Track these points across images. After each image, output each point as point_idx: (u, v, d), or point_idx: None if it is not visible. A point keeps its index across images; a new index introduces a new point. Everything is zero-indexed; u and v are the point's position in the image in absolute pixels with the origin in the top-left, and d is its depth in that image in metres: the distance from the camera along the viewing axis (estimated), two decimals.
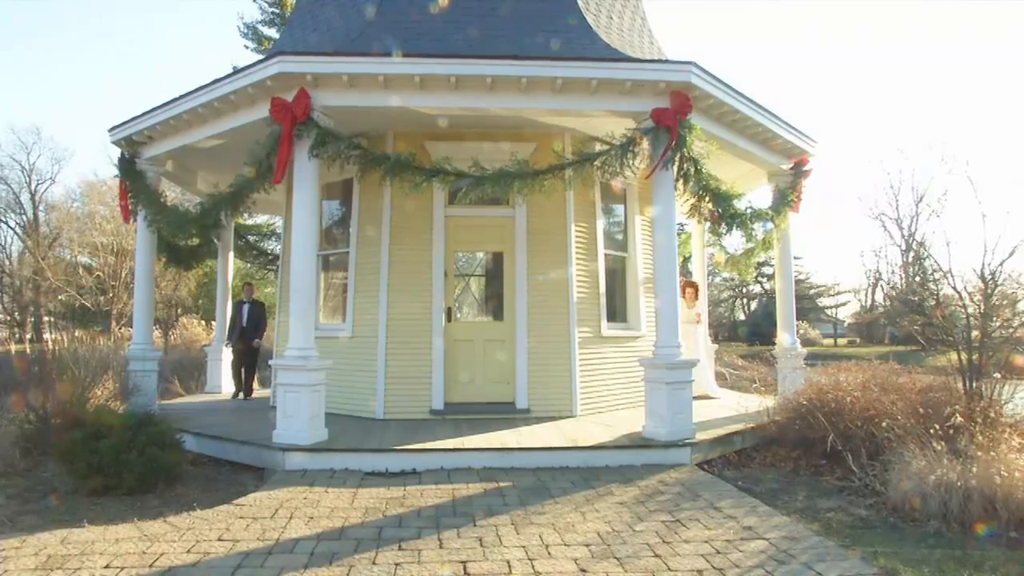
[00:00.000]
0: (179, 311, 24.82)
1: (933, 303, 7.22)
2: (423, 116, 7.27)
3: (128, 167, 8.59)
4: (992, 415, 5.52)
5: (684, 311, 9.55)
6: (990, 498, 4.58)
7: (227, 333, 10.56)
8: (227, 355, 10.93)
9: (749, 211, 7.84)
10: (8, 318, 31.32)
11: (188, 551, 4.00)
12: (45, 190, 36.29)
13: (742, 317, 44.97)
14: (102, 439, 5.39)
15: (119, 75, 78.00)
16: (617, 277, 9.11)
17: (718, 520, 4.62)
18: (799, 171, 9.10)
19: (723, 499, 5.13)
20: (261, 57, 7.36)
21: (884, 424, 5.73)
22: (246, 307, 10.23)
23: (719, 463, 6.60)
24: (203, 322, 21.23)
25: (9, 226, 34.79)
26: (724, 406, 8.72)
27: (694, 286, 10.22)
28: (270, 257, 20.30)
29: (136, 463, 5.41)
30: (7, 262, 33.67)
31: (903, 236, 35.19)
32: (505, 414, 7.76)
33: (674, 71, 6.64)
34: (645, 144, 6.67)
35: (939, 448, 5.01)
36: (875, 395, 6.31)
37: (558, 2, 8.15)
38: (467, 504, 4.96)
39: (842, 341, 39.96)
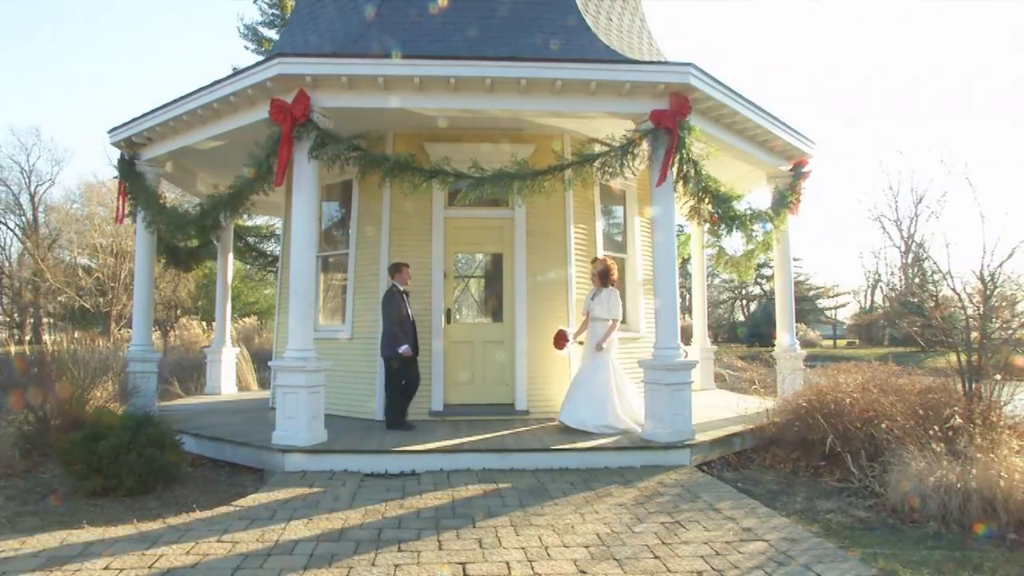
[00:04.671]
0: (178, 312, 24.78)
1: (932, 304, 7.21)
2: (422, 117, 7.28)
3: (127, 168, 8.60)
4: (992, 417, 5.51)
5: (588, 300, 7.49)
6: (989, 499, 4.58)
7: (400, 332, 7.10)
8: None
9: (749, 212, 7.84)
10: (8, 319, 31.30)
11: (187, 552, 3.99)
12: (44, 191, 36.29)
13: (741, 318, 44.95)
14: (101, 440, 5.39)
15: (119, 76, 78.09)
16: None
17: (717, 521, 4.61)
18: (798, 172, 9.11)
19: (722, 500, 5.13)
20: (261, 58, 7.36)
21: (883, 425, 5.73)
22: (408, 297, 7.51)
23: (718, 464, 6.60)
24: (203, 323, 21.22)
25: (9, 227, 34.83)
26: (723, 407, 8.72)
27: (601, 266, 7.51)
28: (270, 259, 20.26)
29: (135, 464, 5.41)
30: (7, 263, 33.63)
31: (902, 237, 35.17)
32: (504, 415, 7.76)
33: (673, 73, 6.65)
34: (645, 145, 6.68)
35: (938, 449, 5.01)
36: (874, 396, 6.31)
37: (557, 3, 8.15)
38: (466, 505, 4.96)
39: (841, 342, 39.94)
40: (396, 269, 7.41)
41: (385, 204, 8.08)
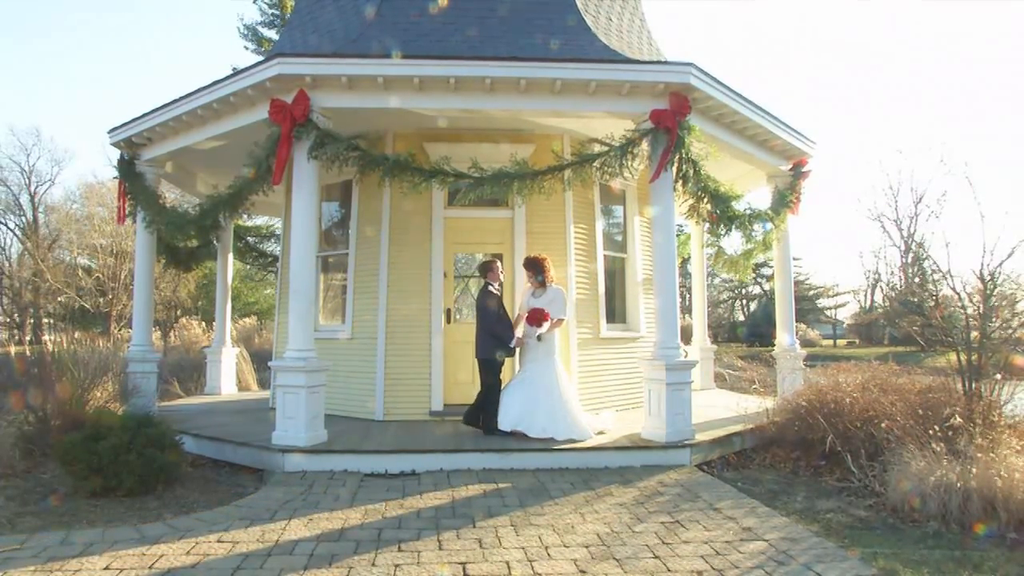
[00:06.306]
0: (178, 312, 24.79)
1: (932, 304, 7.21)
2: (422, 117, 7.28)
3: (127, 169, 8.60)
4: (992, 416, 5.51)
5: (531, 298, 7.03)
6: (989, 499, 4.58)
7: (502, 330, 6.88)
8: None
9: (748, 212, 7.84)
10: (8, 319, 31.29)
11: (187, 553, 4.00)
12: (44, 192, 36.23)
13: (741, 318, 44.95)
14: (101, 440, 5.39)
15: (119, 76, 78.10)
16: (616, 278, 9.10)
17: (717, 521, 4.62)
18: (798, 172, 9.11)
19: (722, 500, 5.13)
20: (261, 59, 7.37)
21: (883, 425, 5.74)
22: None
23: (718, 464, 6.60)
24: (202, 323, 21.21)
25: (9, 228, 34.80)
26: (723, 407, 8.72)
27: (535, 266, 7.05)
28: (270, 259, 20.28)
29: (135, 464, 5.40)
30: (7, 264, 33.60)
31: (902, 237, 35.16)
32: None
33: (673, 72, 6.65)
34: (644, 145, 6.68)
35: (938, 449, 5.01)
36: (874, 396, 6.31)
37: (557, 3, 8.15)
38: (466, 505, 4.96)
39: (841, 342, 39.92)
40: (488, 268, 7.06)
41: (385, 204, 8.08)
